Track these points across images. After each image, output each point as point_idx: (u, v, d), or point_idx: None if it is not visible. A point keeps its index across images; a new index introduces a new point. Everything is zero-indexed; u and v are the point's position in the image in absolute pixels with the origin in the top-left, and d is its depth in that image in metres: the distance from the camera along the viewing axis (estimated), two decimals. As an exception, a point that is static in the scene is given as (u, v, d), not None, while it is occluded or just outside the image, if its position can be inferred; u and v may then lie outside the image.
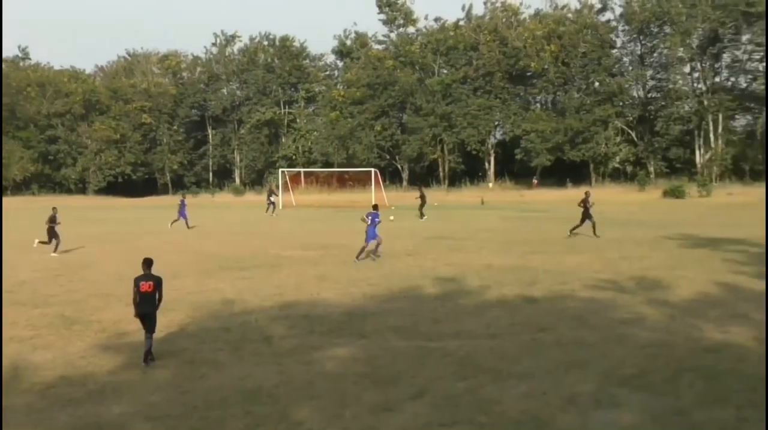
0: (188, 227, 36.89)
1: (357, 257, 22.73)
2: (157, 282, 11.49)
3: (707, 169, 70.24)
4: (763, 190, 57.63)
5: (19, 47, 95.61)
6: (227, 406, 9.42)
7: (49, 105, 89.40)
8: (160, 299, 11.58)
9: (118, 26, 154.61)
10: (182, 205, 38.38)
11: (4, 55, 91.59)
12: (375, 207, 24.40)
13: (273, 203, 49.95)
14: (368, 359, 11.44)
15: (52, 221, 26.81)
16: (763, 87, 71.50)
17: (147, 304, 11.46)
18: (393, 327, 13.52)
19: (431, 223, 38.21)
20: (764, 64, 71.45)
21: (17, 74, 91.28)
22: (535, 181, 76.11)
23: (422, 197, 42.45)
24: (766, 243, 23.59)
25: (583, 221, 28.87)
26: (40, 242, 26.83)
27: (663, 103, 74.61)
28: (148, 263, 11.72)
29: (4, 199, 70.57)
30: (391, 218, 28.23)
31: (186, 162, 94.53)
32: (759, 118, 72.52)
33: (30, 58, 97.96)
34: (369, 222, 23.07)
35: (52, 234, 26.55)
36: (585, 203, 29.05)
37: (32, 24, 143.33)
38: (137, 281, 11.50)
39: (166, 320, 12.51)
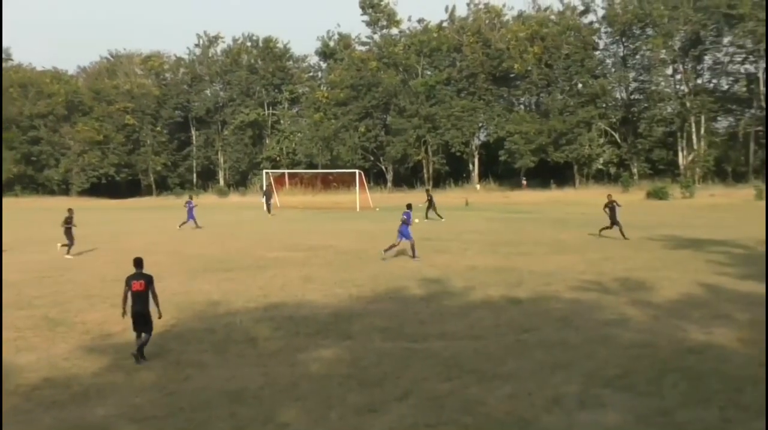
0: (179, 227, 36.71)
1: (385, 251, 23.59)
2: (148, 280, 11.63)
3: (690, 171, 70.52)
4: (745, 191, 58.14)
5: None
6: (212, 408, 9.41)
7: (32, 106, 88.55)
8: (155, 297, 11.71)
9: (101, 27, 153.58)
10: (189, 207, 37.83)
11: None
12: (409, 206, 24.82)
13: (269, 202, 50.52)
14: (353, 361, 11.46)
15: (68, 221, 26.86)
16: (743, 89, 72.06)
17: (140, 303, 11.55)
18: (378, 328, 13.54)
19: (418, 224, 38.14)
20: (745, 66, 72.05)
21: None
22: (524, 182, 76.30)
23: (430, 201, 42.60)
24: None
25: (613, 223, 28.73)
26: (62, 245, 26.64)
27: (646, 104, 74.74)
28: (138, 262, 11.84)
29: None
30: (416, 220, 28.22)
31: (170, 163, 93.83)
32: (741, 119, 72.97)
33: (12, 59, 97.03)
34: (402, 221, 23.64)
35: (68, 235, 26.56)
36: (611, 206, 28.94)
37: (14, 24, 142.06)
38: (129, 280, 11.64)
39: (150, 322, 12.48)
